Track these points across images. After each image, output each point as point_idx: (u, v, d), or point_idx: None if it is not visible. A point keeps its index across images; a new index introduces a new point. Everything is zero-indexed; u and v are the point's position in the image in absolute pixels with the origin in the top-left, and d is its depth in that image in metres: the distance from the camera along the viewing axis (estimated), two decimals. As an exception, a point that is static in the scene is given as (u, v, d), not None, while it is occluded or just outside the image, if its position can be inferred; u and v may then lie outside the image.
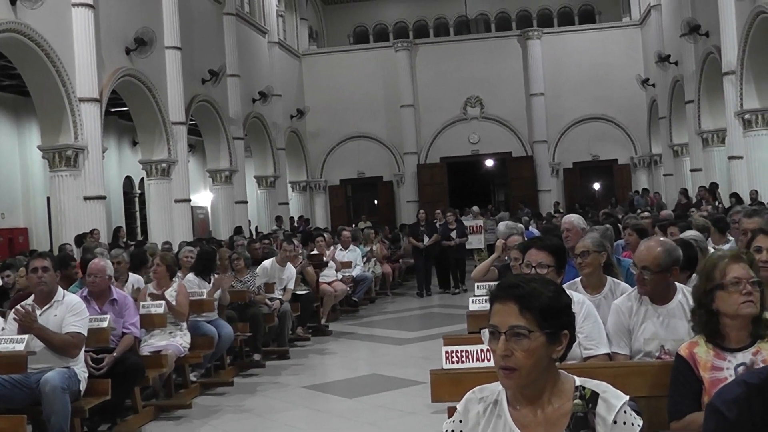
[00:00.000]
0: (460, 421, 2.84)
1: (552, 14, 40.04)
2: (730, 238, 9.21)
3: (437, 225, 20.45)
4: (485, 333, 2.75)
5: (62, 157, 17.93)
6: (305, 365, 11.81)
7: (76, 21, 18.18)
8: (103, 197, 19.00)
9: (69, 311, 7.19)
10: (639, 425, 2.68)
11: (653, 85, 32.62)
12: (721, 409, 2.51)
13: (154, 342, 9.22)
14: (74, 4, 18.15)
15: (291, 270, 13.41)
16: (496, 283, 2.91)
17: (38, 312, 7.09)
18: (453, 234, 19.93)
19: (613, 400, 2.69)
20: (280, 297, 12.73)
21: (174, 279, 9.99)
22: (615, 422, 2.66)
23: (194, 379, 10.05)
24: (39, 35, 16.87)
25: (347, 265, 17.31)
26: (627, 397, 2.72)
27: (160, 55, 21.96)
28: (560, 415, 2.71)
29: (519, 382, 2.69)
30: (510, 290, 2.72)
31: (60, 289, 7.37)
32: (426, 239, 19.77)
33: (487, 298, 2.97)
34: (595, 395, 2.70)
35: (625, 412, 2.68)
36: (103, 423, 7.99)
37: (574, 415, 2.68)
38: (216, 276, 11.08)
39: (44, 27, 17.10)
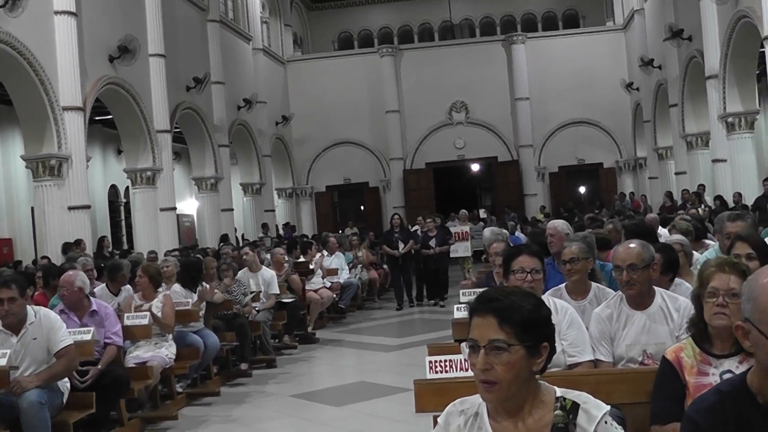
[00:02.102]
0: (442, 435, 2.83)
1: (536, 19, 40.17)
2: (709, 242, 9.22)
3: (418, 232, 19.24)
4: (465, 347, 2.74)
5: (46, 167, 17.81)
6: (292, 373, 11.77)
7: (59, 29, 18.08)
8: (87, 207, 18.87)
9: (51, 329, 7.04)
10: None
11: (637, 89, 32.72)
12: (695, 418, 2.52)
13: (140, 354, 9.18)
14: (56, 12, 18.04)
15: (267, 274, 13.39)
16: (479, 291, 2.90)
17: (14, 339, 6.97)
18: (432, 242, 18.34)
19: (594, 410, 2.69)
20: (255, 305, 12.64)
21: (159, 290, 9.96)
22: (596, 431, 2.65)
23: (180, 389, 10.00)
24: (21, 43, 16.78)
25: (333, 272, 17.28)
26: (608, 408, 2.72)
27: (143, 63, 21.89)
28: (541, 426, 2.70)
29: (499, 395, 2.68)
30: (489, 303, 2.71)
31: (29, 309, 7.13)
32: (401, 246, 18.38)
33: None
34: (575, 406, 2.70)
35: (605, 422, 2.68)
36: (89, 436, 7.94)
37: (554, 426, 2.68)
38: (200, 288, 11.10)
39: (26, 35, 17.01)
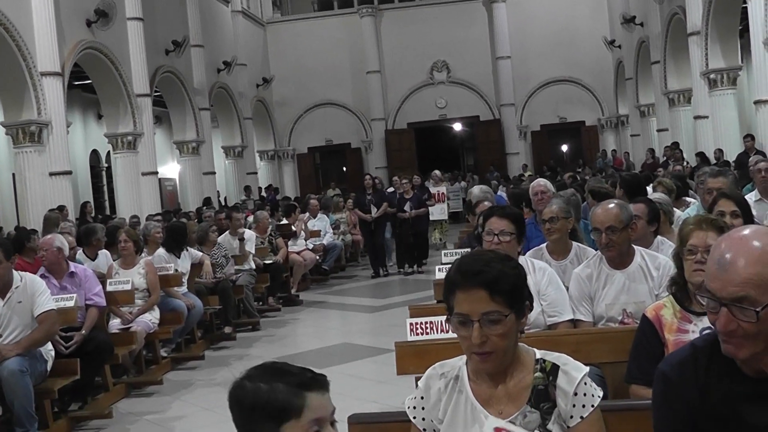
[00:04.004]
0: (422, 398, 2.84)
1: (517, -24, 39.93)
2: (690, 200, 9.24)
3: (396, 194, 17.63)
4: (453, 322, 2.71)
5: (26, 133, 17.74)
6: (276, 336, 11.82)
7: (34, -7, 17.86)
8: (69, 172, 18.82)
9: (35, 293, 7.04)
10: (599, 396, 2.71)
11: (619, 47, 32.65)
12: (666, 372, 2.53)
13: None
14: (31, -24, 17.81)
15: (247, 234, 13.47)
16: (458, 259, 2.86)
17: (0, 303, 6.96)
18: (408, 206, 17.07)
19: (574, 372, 2.71)
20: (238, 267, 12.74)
21: (142, 254, 9.96)
22: (576, 394, 2.68)
23: (165, 354, 10.02)
24: (-4, 9, 16.63)
25: (316, 233, 17.22)
26: (587, 369, 2.74)
27: (121, 27, 21.71)
28: (521, 388, 2.72)
29: (496, 363, 2.70)
30: (476, 277, 2.67)
31: (15, 274, 7.13)
32: (374, 210, 17.12)
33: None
34: (555, 368, 2.72)
35: (585, 383, 2.70)
36: (74, 402, 7.95)
37: (534, 388, 2.71)
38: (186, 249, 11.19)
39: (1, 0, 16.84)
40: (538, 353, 2.79)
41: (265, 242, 14.54)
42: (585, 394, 2.69)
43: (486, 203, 9.24)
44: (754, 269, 2.23)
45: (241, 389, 2.14)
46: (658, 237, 5.95)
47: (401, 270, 17.40)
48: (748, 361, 2.33)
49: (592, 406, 2.69)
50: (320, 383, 2.17)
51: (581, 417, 2.68)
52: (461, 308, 2.68)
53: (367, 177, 18.11)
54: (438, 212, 18.51)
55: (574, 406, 2.69)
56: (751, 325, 2.24)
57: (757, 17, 17.89)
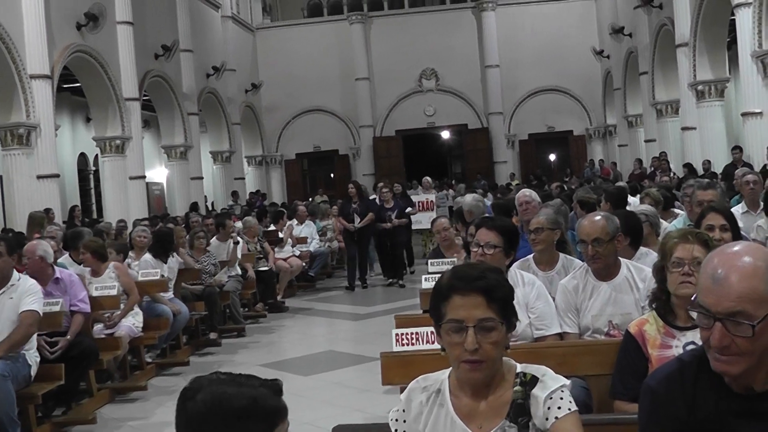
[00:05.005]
0: (404, 411, 2.83)
1: (507, -15, 39.99)
2: (677, 211, 9.24)
3: (376, 201, 16.82)
4: (445, 329, 2.71)
5: (14, 136, 17.74)
6: (261, 343, 11.78)
7: (25, -4, 17.85)
8: (56, 175, 18.82)
9: (25, 293, 7.03)
10: (574, 410, 2.66)
11: (608, 57, 32.77)
12: (653, 386, 2.53)
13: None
14: (22, -21, 17.80)
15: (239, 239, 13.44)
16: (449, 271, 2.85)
17: None
18: (393, 215, 16.45)
19: (551, 382, 2.69)
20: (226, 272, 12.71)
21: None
22: (551, 398, 2.65)
23: (150, 360, 9.98)
24: (-14, 12, 16.62)
25: (303, 240, 17.19)
26: (567, 381, 2.72)
27: (111, 31, 21.70)
28: (501, 403, 2.71)
29: (486, 373, 2.69)
30: (475, 282, 2.68)
31: (15, 272, 7.17)
32: (357, 220, 16.28)
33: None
34: (534, 379, 2.71)
35: (562, 390, 2.68)
36: (58, 408, 7.92)
37: (514, 402, 2.69)
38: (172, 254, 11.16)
39: (-9, 3, 16.85)
40: (519, 367, 2.78)
41: (257, 246, 14.54)
42: (561, 398, 2.66)
43: (442, 219, 9.30)
44: (749, 283, 2.25)
45: (223, 394, 2.09)
46: (642, 248, 5.95)
47: (386, 280, 16.83)
48: (738, 377, 2.34)
49: (569, 410, 2.65)
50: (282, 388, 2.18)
51: (556, 417, 2.64)
52: (456, 314, 2.67)
53: (351, 186, 17.10)
54: (426, 221, 17.80)
55: (548, 408, 2.65)
56: (746, 341, 2.25)
57: (745, 29, 17.99)
